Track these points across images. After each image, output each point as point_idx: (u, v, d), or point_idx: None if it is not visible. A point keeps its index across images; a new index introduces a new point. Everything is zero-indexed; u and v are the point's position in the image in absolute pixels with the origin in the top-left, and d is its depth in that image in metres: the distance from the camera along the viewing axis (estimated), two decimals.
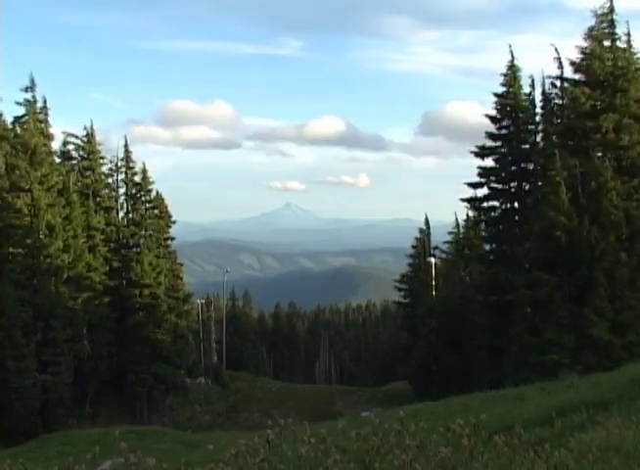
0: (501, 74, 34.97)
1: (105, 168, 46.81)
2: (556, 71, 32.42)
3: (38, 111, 40.86)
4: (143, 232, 46.34)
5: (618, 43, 30.70)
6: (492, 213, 36.49)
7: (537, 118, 34.91)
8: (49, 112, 41.97)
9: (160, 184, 49.42)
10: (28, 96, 40.07)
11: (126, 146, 46.77)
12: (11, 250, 33.73)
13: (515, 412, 12.47)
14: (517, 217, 35.30)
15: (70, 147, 45.39)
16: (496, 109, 35.12)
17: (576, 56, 30.98)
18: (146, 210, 47.10)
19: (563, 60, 31.84)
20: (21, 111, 39.89)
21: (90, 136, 45.72)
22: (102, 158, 46.44)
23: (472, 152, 35.51)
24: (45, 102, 41.30)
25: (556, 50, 31.98)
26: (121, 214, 47.55)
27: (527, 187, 34.85)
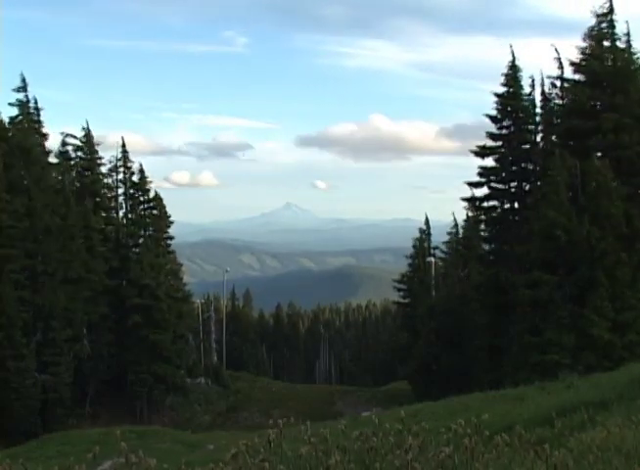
0: (502, 75, 35.02)
1: (104, 169, 46.85)
2: (556, 72, 32.49)
3: (31, 111, 40.84)
4: (142, 232, 46.32)
5: (618, 43, 30.73)
6: (492, 213, 36.52)
7: (537, 119, 34.94)
8: (42, 111, 41.99)
9: None
10: (21, 96, 40.14)
11: (124, 146, 46.76)
12: (10, 250, 33.70)
13: (515, 412, 12.48)
14: (517, 217, 35.31)
15: (69, 147, 45.39)
16: (497, 109, 35.13)
17: (576, 56, 31.04)
18: (145, 209, 47.08)
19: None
20: (14, 111, 39.95)
21: (88, 136, 45.70)
22: (100, 158, 46.46)
23: (472, 151, 35.55)
24: (36, 102, 41.32)
25: (556, 50, 32.02)
26: (121, 214, 47.55)
27: (528, 187, 34.87)
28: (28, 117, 40.10)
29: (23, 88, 40.15)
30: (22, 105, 40.00)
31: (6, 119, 38.96)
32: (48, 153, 42.37)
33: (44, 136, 41.61)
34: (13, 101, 40.13)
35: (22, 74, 40.15)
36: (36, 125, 41.02)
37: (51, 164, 41.50)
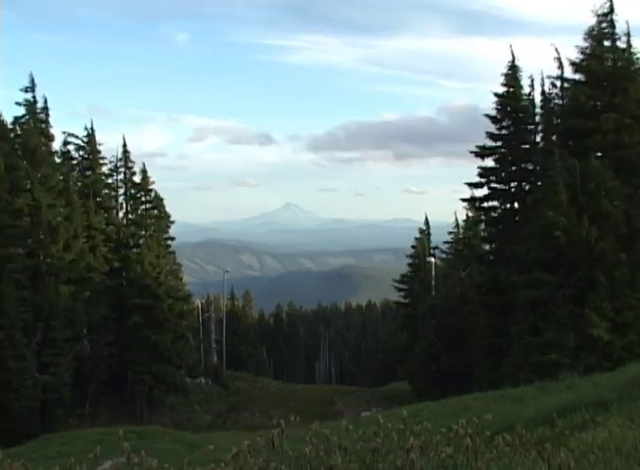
0: (502, 74, 35.00)
1: (105, 169, 46.82)
2: (556, 71, 32.48)
3: (38, 111, 40.83)
4: (143, 232, 46.35)
5: (618, 43, 30.71)
6: (492, 213, 36.51)
7: (537, 119, 34.93)
8: (50, 112, 41.95)
9: None
10: (28, 96, 40.11)
11: (125, 146, 46.76)
12: (11, 250, 33.69)
13: (515, 412, 12.49)
14: (517, 217, 35.29)
15: (71, 147, 45.36)
16: (496, 109, 35.12)
17: (576, 56, 31.02)
18: (146, 210, 47.08)
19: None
20: (21, 111, 39.93)
21: (90, 136, 45.69)
22: (102, 158, 46.44)
23: (472, 152, 35.56)
24: (46, 102, 41.30)
25: (556, 50, 32.00)
26: (121, 214, 47.56)
27: (527, 187, 34.86)
28: (35, 118, 40.04)
29: (31, 88, 40.15)
30: (29, 105, 39.97)
31: (9, 119, 38.88)
32: (53, 153, 42.35)
33: (49, 137, 41.52)
34: (19, 100, 40.12)
35: (30, 75, 40.17)
36: (43, 125, 40.95)
37: (55, 163, 41.45)
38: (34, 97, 40.28)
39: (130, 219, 46.95)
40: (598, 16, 30.25)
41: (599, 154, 29.24)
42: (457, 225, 48.44)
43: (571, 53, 30.96)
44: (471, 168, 35.80)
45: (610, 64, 30.33)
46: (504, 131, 35.18)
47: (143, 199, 46.95)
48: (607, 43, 30.66)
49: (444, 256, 50.46)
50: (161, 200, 47.87)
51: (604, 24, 30.39)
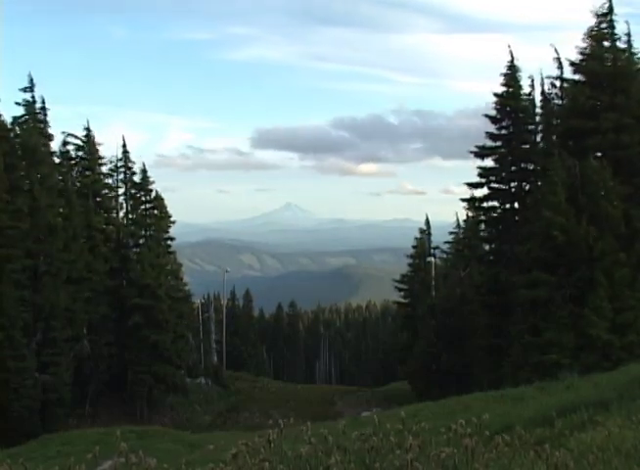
0: (501, 74, 35.01)
1: (105, 169, 46.82)
2: (556, 72, 32.52)
3: (37, 111, 40.87)
4: (143, 232, 46.31)
5: (618, 43, 30.73)
6: (492, 213, 36.51)
7: (537, 119, 34.94)
8: (48, 112, 41.98)
9: None
10: (27, 96, 40.19)
11: (124, 146, 46.75)
12: (11, 250, 33.68)
13: (515, 412, 12.49)
14: (517, 217, 35.30)
15: (70, 147, 45.35)
16: (496, 109, 35.13)
17: (576, 56, 31.05)
18: (146, 210, 47.02)
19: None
20: (20, 111, 39.97)
21: (90, 136, 45.68)
22: (101, 158, 46.42)
23: (471, 152, 35.56)
24: (44, 102, 41.34)
25: (555, 50, 32.02)
26: (121, 214, 47.54)
27: (527, 187, 34.87)
28: (34, 117, 40.12)
29: (30, 88, 40.24)
30: (29, 105, 40.05)
31: (9, 119, 38.91)
32: (52, 153, 42.38)
33: (48, 137, 41.55)
34: (19, 100, 40.24)
35: (29, 75, 40.30)
36: (41, 125, 40.99)
37: (54, 163, 41.48)
38: (33, 97, 40.37)
39: (130, 219, 46.92)
40: (598, 16, 30.28)
41: (599, 154, 29.24)
42: (458, 225, 48.44)
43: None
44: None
45: (609, 64, 30.35)
46: (504, 131, 35.19)
47: (143, 199, 46.90)
48: (606, 43, 30.70)
49: (444, 256, 50.45)
50: (162, 200, 47.82)
51: (603, 25, 30.42)
